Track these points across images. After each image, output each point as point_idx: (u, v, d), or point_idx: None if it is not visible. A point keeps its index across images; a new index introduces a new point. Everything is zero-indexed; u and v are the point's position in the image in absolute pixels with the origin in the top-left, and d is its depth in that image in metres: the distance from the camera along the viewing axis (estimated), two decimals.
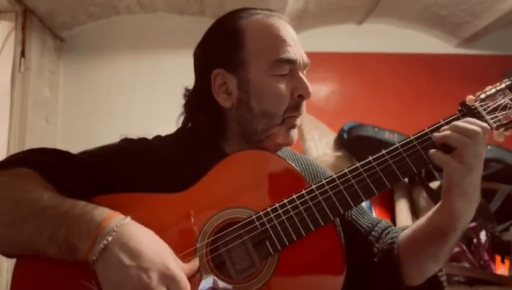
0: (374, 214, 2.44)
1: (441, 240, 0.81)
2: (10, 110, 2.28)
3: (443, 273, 0.89)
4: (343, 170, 0.78)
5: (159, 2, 2.70)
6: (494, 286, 1.95)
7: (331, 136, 2.69)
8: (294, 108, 0.87)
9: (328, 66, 2.86)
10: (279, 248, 0.74)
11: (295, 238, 0.74)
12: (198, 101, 0.93)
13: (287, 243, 0.74)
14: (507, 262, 2.07)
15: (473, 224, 2.12)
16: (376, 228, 0.93)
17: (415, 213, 2.45)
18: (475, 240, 2.14)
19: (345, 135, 2.63)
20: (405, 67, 2.93)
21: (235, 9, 0.93)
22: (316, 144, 2.62)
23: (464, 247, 2.10)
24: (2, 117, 2.27)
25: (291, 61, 0.86)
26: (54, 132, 2.65)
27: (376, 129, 2.56)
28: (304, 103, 0.89)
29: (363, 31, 2.97)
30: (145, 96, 2.74)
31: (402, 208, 2.42)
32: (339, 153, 2.66)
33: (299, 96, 0.86)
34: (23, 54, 2.35)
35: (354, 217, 0.95)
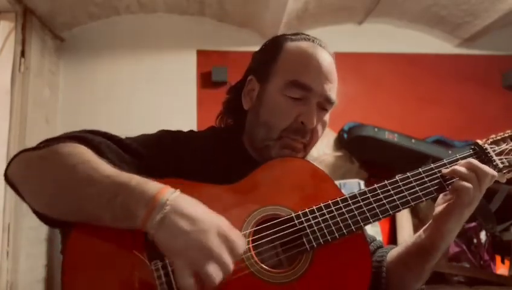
0: None
1: (424, 259, 0.91)
2: (10, 110, 2.28)
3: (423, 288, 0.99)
4: (374, 186, 0.89)
5: (159, 2, 2.70)
6: (494, 286, 1.96)
7: (331, 136, 2.69)
8: (294, 131, 0.93)
9: None
10: (315, 245, 0.81)
11: (329, 239, 0.82)
12: (232, 98, 1.04)
13: (322, 242, 0.81)
14: (507, 262, 2.08)
15: (473, 224, 2.13)
16: (372, 244, 1.03)
17: (415, 213, 2.45)
18: (475, 240, 2.14)
19: (345, 135, 2.63)
20: (405, 67, 2.93)
21: (296, 32, 1.02)
22: (316, 144, 2.62)
23: (464, 247, 2.11)
24: (2, 117, 2.27)
25: (304, 87, 0.92)
26: (54, 132, 2.64)
27: (376, 129, 2.56)
28: (309, 133, 0.94)
29: (363, 31, 2.97)
30: (145, 96, 2.74)
31: None
32: (339, 153, 2.66)
33: (302, 122, 0.92)
34: (23, 54, 2.34)
35: None
